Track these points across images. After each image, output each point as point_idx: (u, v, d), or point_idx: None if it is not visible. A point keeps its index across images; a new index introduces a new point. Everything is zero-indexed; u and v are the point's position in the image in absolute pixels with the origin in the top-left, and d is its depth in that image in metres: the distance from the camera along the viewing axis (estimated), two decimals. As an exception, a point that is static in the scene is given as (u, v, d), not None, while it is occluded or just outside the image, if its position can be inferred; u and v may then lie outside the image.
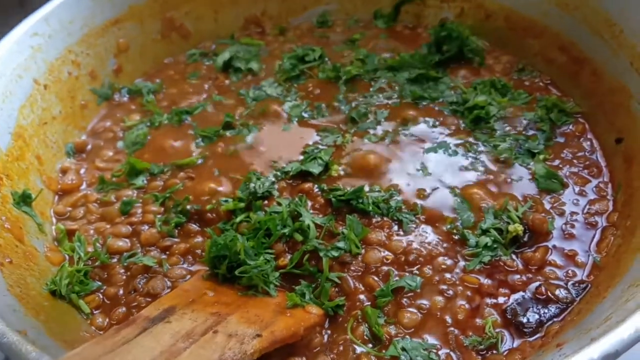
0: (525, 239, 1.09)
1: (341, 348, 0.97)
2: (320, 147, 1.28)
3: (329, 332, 0.99)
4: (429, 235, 1.10)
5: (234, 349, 0.80)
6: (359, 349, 0.96)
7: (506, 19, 1.52)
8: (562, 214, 1.13)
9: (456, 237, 1.10)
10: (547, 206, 1.14)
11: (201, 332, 0.82)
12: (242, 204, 1.14)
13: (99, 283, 1.07)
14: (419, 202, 1.15)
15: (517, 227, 1.07)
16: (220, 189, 1.19)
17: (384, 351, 0.95)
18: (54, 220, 1.18)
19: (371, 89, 1.42)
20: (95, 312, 1.03)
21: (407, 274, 1.04)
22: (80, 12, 1.38)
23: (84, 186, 1.25)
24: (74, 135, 1.35)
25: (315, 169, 1.21)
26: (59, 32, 1.34)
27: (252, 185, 1.17)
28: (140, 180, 1.22)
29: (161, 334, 0.79)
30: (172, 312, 0.86)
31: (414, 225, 1.12)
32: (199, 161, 1.26)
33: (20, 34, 1.26)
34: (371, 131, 1.31)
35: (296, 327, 0.92)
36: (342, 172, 1.22)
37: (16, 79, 1.23)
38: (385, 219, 1.12)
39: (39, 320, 0.86)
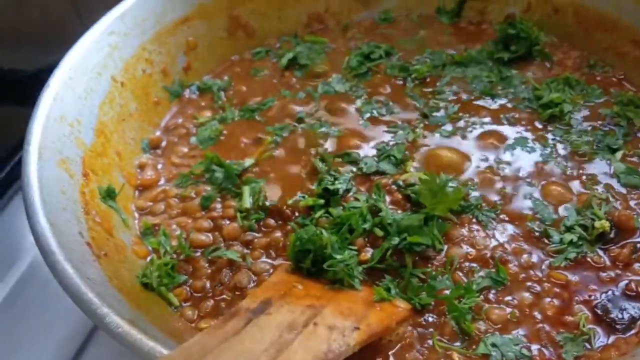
0: (612, 235, 1.07)
1: (429, 343, 0.97)
2: (391, 144, 1.28)
3: (417, 328, 0.99)
4: (511, 232, 1.10)
5: (338, 341, 0.80)
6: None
7: (575, 13, 1.50)
8: (647, 210, 1.12)
9: (538, 234, 1.09)
10: (632, 203, 1.12)
11: (302, 324, 0.83)
12: (321, 201, 1.14)
13: (185, 276, 1.09)
14: (498, 198, 1.14)
15: (604, 224, 1.06)
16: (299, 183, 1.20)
17: (474, 347, 0.95)
18: (137, 215, 1.20)
19: (438, 84, 1.42)
20: (184, 304, 1.05)
21: (492, 270, 1.04)
22: (153, 10, 1.40)
23: (162, 181, 1.27)
24: (149, 131, 1.37)
25: (389, 167, 1.21)
26: (133, 30, 1.36)
27: (327, 181, 1.17)
28: (220, 175, 1.23)
29: (266, 325, 0.80)
30: (269, 304, 0.87)
31: (495, 222, 1.11)
32: (276, 153, 1.27)
33: (98, 32, 1.29)
34: (443, 127, 1.31)
35: (389, 321, 0.93)
36: (415, 168, 1.22)
37: (96, 77, 1.25)
38: (464, 215, 1.12)
39: (142, 312, 0.88)
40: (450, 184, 1.13)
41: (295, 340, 0.77)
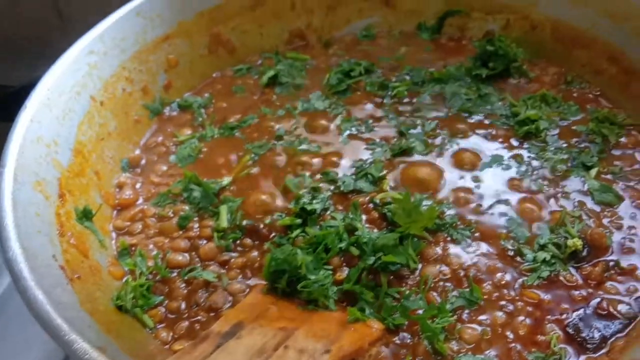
0: (584, 253, 1.08)
1: (403, 364, 0.98)
2: (369, 161, 1.28)
3: (391, 348, 0.99)
4: (485, 250, 1.10)
5: (307, 366, 0.81)
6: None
7: (553, 30, 1.52)
8: (619, 227, 1.12)
9: (512, 253, 1.10)
10: (605, 220, 1.14)
11: (272, 347, 0.83)
12: (298, 220, 1.15)
13: (161, 297, 1.09)
14: (473, 217, 1.15)
15: (576, 242, 1.07)
16: (276, 202, 1.21)
17: (446, 367, 0.96)
18: (114, 235, 1.21)
19: (416, 100, 1.43)
20: (159, 326, 1.05)
21: (466, 289, 1.05)
22: (133, 29, 1.41)
23: (140, 201, 1.27)
24: (128, 150, 1.38)
25: (366, 185, 1.22)
26: (112, 49, 1.36)
27: (305, 201, 1.18)
28: (198, 194, 1.24)
29: (235, 349, 0.81)
30: (241, 327, 0.88)
31: (470, 240, 1.12)
32: (253, 171, 1.28)
33: (76, 52, 1.29)
34: (419, 144, 1.31)
35: (362, 342, 0.93)
36: (392, 186, 1.23)
37: (75, 97, 1.25)
38: (439, 234, 1.13)
39: (111, 336, 0.88)
40: (424, 203, 1.14)
41: (263, 365, 0.78)
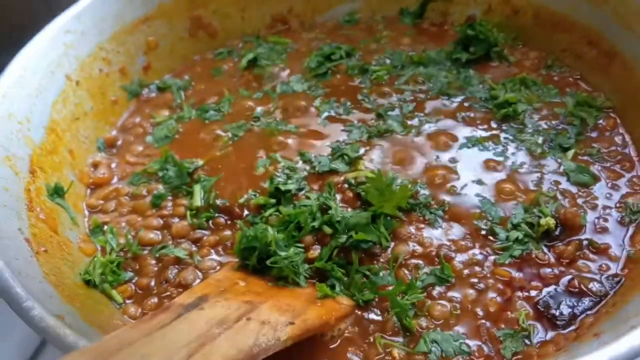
0: (557, 232, 1.08)
1: (371, 340, 0.97)
2: (346, 142, 1.28)
3: (360, 324, 0.99)
4: (458, 229, 1.10)
5: (268, 335, 0.80)
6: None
7: (534, 15, 1.51)
8: (594, 207, 1.12)
9: (484, 232, 1.09)
10: (580, 200, 1.13)
11: (234, 319, 0.82)
12: (273, 200, 1.14)
13: (131, 274, 1.09)
14: (447, 197, 1.15)
15: (549, 221, 1.06)
16: (248, 182, 1.20)
17: (415, 343, 0.95)
18: (87, 212, 1.20)
19: (396, 83, 1.42)
20: (127, 301, 1.05)
21: (437, 267, 1.04)
22: (111, 10, 1.40)
23: (115, 180, 1.27)
24: (105, 130, 1.37)
25: (342, 166, 1.22)
26: (90, 29, 1.36)
27: (279, 180, 1.17)
28: (172, 173, 1.23)
29: (196, 320, 0.80)
30: (205, 300, 0.87)
31: (442, 220, 1.11)
32: (229, 149, 1.28)
33: (53, 31, 1.28)
34: (397, 126, 1.31)
35: (327, 317, 0.93)
36: (367, 166, 1.22)
37: (49, 75, 1.25)
38: (413, 213, 1.12)
39: (75, 307, 0.88)
40: (397, 182, 1.13)
41: (223, 334, 0.77)
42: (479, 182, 1.17)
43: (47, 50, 1.26)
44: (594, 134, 1.26)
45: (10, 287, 0.80)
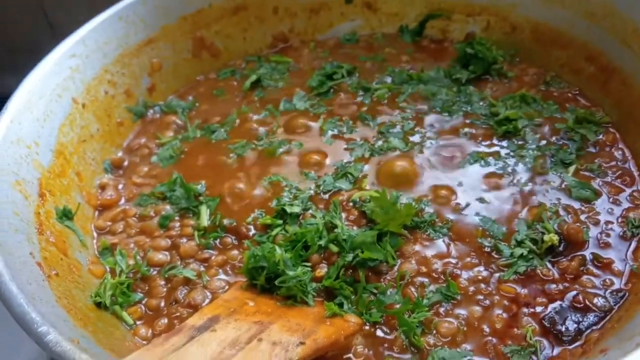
0: (561, 248, 1.09)
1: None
2: (349, 161, 1.29)
3: (369, 342, 1.00)
4: (463, 247, 1.11)
5: (279, 356, 0.81)
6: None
7: (532, 31, 1.54)
8: (596, 223, 1.13)
9: (489, 249, 1.10)
10: (582, 216, 1.14)
11: (246, 340, 0.83)
12: (279, 221, 1.16)
13: (141, 295, 1.10)
14: (451, 215, 1.16)
15: (552, 237, 1.08)
16: (252, 201, 1.22)
17: (423, 360, 0.96)
18: (95, 234, 1.21)
19: (397, 100, 1.44)
20: (138, 323, 1.06)
21: (443, 285, 1.05)
22: (115, 33, 1.42)
23: (122, 201, 1.28)
24: (111, 152, 1.39)
25: (346, 185, 1.23)
26: (95, 52, 1.38)
27: (285, 201, 1.19)
28: (179, 194, 1.24)
29: (208, 342, 0.81)
30: (216, 321, 0.88)
31: (447, 238, 1.13)
32: (234, 168, 1.30)
33: (58, 55, 1.30)
34: (399, 143, 1.32)
35: (337, 336, 0.94)
36: (371, 185, 1.24)
37: (56, 99, 1.27)
38: (418, 231, 1.14)
39: (87, 331, 0.89)
40: (401, 200, 1.15)
41: (236, 355, 0.78)
42: (481, 199, 1.19)
43: (53, 74, 1.28)
44: (594, 149, 1.28)
45: (25, 312, 0.82)
